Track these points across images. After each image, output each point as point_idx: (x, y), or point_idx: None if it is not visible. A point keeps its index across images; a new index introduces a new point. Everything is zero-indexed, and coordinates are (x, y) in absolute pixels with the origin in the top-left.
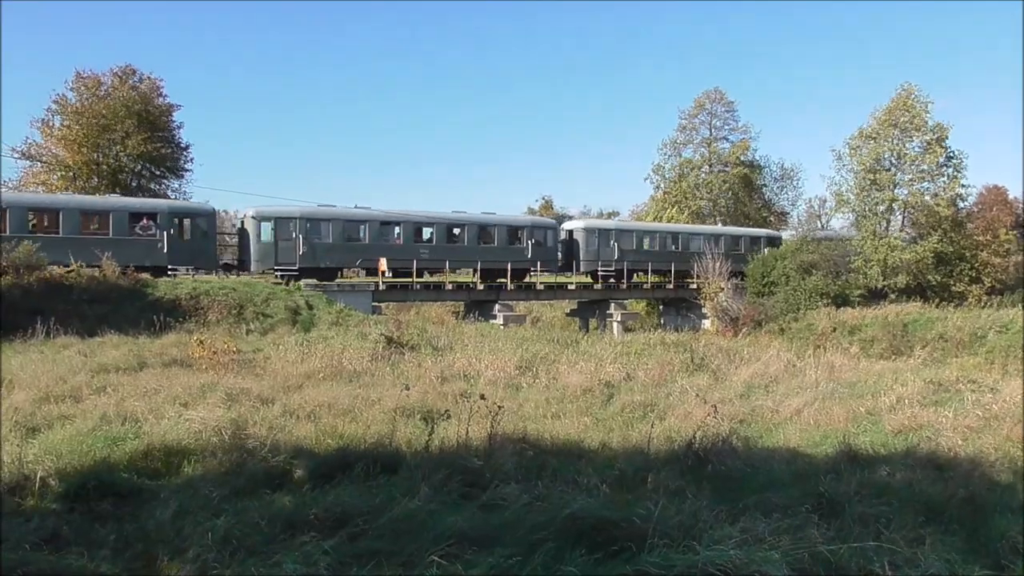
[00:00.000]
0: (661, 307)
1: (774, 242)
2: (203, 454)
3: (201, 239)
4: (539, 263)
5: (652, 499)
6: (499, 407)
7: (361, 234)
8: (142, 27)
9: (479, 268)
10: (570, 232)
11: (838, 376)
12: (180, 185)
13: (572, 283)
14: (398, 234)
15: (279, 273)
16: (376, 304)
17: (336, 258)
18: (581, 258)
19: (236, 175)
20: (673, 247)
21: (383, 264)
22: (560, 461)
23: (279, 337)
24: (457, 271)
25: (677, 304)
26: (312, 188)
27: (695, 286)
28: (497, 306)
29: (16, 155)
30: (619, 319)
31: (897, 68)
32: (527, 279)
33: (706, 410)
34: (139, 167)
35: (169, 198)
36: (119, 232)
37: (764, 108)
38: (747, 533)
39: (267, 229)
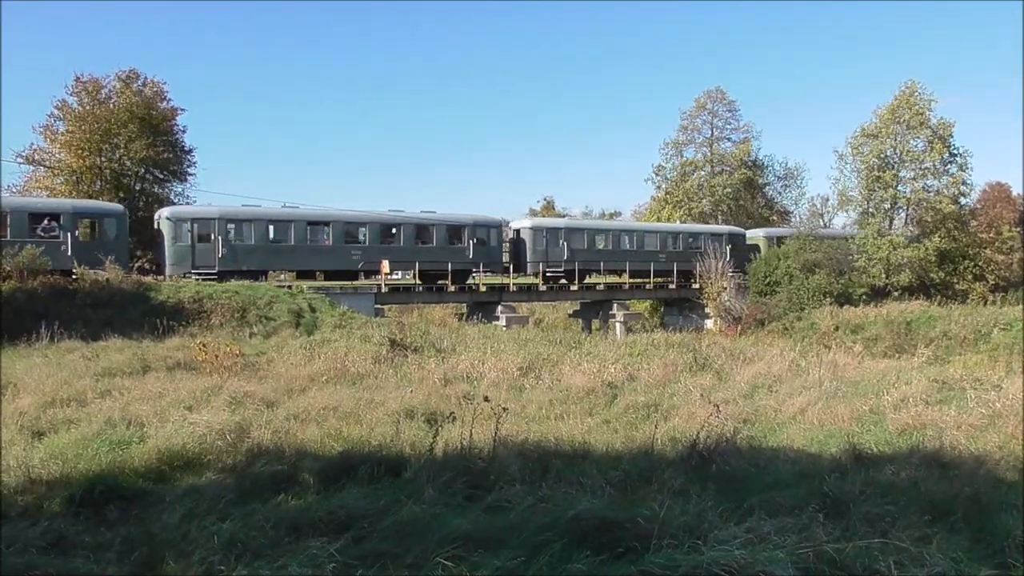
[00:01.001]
0: (663, 307)
1: (736, 239)
2: (208, 458)
3: (112, 241)
4: (481, 264)
5: (657, 500)
6: (504, 409)
7: (287, 235)
8: (143, 28)
9: (416, 270)
10: (517, 231)
11: (842, 375)
12: (184, 189)
13: (513, 284)
14: (327, 235)
15: (196, 277)
16: (379, 306)
17: (259, 261)
18: (528, 259)
19: (239, 180)
20: (628, 246)
21: (385, 266)
22: (564, 462)
23: (282, 340)
24: (393, 273)
25: (680, 304)
26: (313, 190)
27: (697, 286)
28: (499, 307)
29: (20, 160)
30: (622, 319)
31: (901, 65)
32: (469, 281)
33: (709, 410)
34: (142, 171)
35: (173, 202)
36: (18, 234)
37: (766, 106)
38: (752, 533)
39: (183, 231)
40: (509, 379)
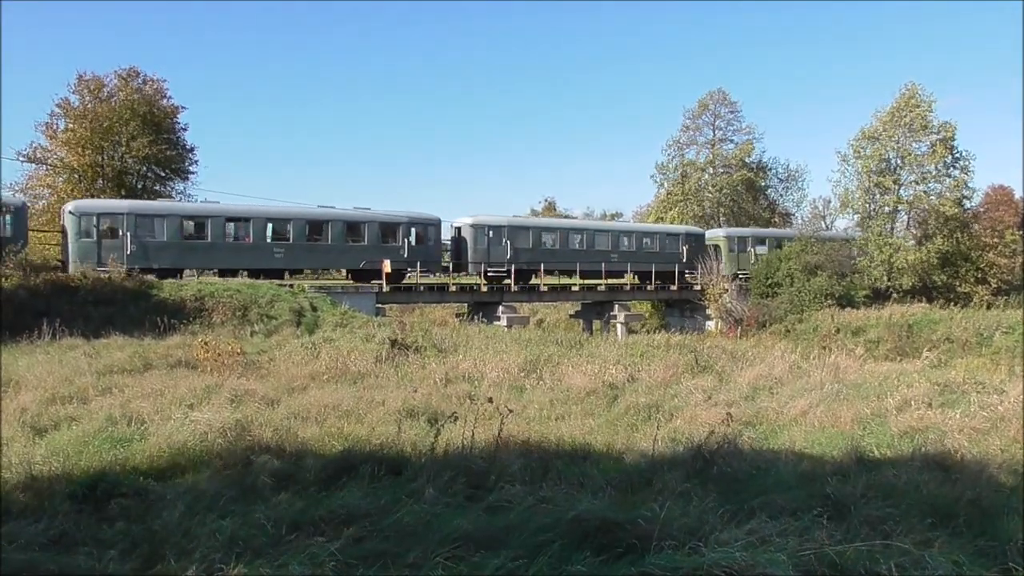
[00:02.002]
0: (664, 308)
1: (693, 239)
2: (209, 455)
3: (10, 237)
4: (419, 263)
5: (658, 501)
6: (509, 410)
7: (204, 232)
8: (143, 27)
9: (347, 270)
10: (458, 229)
11: (843, 377)
12: (185, 187)
13: (453, 285)
14: (248, 232)
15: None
16: (380, 306)
17: (172, 258)
18: (469, 258)
19: (241, 179)
20: (577, 245)
21: (387, 266)
22: (565, 463)
23: (283, 339)
24: (319, 274)
25: (681, 305)
26: (317, 189)
27: (699, 287)
28: (500, 308)
29: (21, 159)
30: (623, 320)
31: (902, 65)
32: (405, 280)
33: (720, 416)
34: (144, 169)
35: (174, 199)
36: None
37: (767, 107)
38: (753, 535)
39: (89, 225)
40: (510, 379)
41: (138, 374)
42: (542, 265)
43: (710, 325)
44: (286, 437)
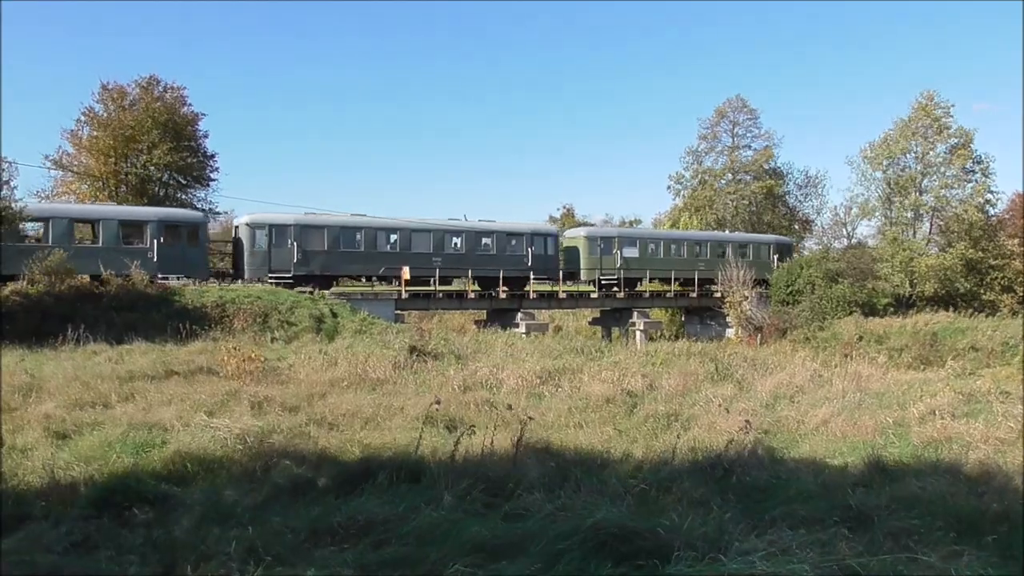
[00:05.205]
0: (683, 316)
1: (541, 239)
2: (229, 462)
3: None
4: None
5: (677, 510)
6: (529, 418)
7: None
8: (161, 33)
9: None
10: (236, 228)
11: (865, 386)
12: (206, 195)
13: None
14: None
15: None
16: (399, 312)
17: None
18: (246, 263)
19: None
20: (389, 248)
21: (406, 272)
22: (583, 471)
23: (303, 345)
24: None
25: (700, 313)
26: (339, 200)
27: (719, 294)
28: (519, 315)
29: (48, 165)
30: (642, 328)
31: (926, 71)
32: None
33: (739, 424)
34: (166, 176)
35: (196, 207)
36: None
37: (787, 114)
38: (774, 546)
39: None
40: (528, 386)
41: (160, 380)
42: (330, 266)
43: (729, 333)
44: (305, 444)
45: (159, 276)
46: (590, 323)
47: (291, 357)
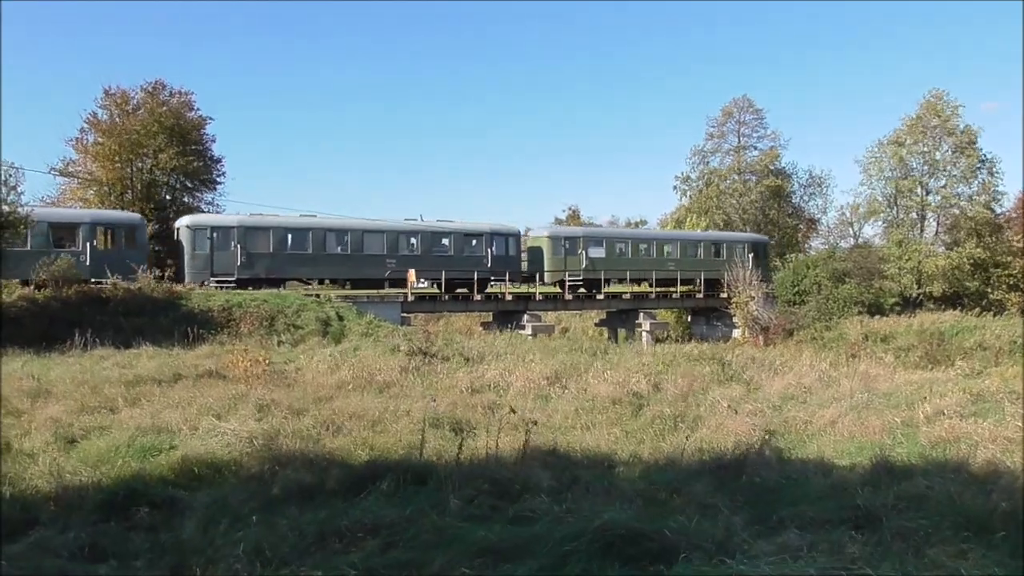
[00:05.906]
0: (690, 317)
1: (500, 239)
2: (236, 465)
3: None
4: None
5: (684, 512)
6: (534, 422)
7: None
8: (166, 35)
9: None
10: (177, 230)
11: (873, 386)
12: (214, 198)
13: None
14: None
15: None
16: (405, 315)
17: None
18: (186, 266)
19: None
20: (340, 249)
21: (412, 275)
22: (591, 473)
23: (310, 348)
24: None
25: (707, 313)
26: (339, 200)
27: (725, 295)
28: (525, 316)
29: (54, 172)
30: (648, 329)
31: (932, 71)
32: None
33: (747, 426)
34: (172, 181)
35: (203, 211)
36: None
37: (793, 114)
38: (782, 547)
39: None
40: (535, 388)
41: (167, 384)
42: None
43: (736, 333)
44: (312, 447)
45: (92, 280)
46: (596, 324)
47: (298, 360)
